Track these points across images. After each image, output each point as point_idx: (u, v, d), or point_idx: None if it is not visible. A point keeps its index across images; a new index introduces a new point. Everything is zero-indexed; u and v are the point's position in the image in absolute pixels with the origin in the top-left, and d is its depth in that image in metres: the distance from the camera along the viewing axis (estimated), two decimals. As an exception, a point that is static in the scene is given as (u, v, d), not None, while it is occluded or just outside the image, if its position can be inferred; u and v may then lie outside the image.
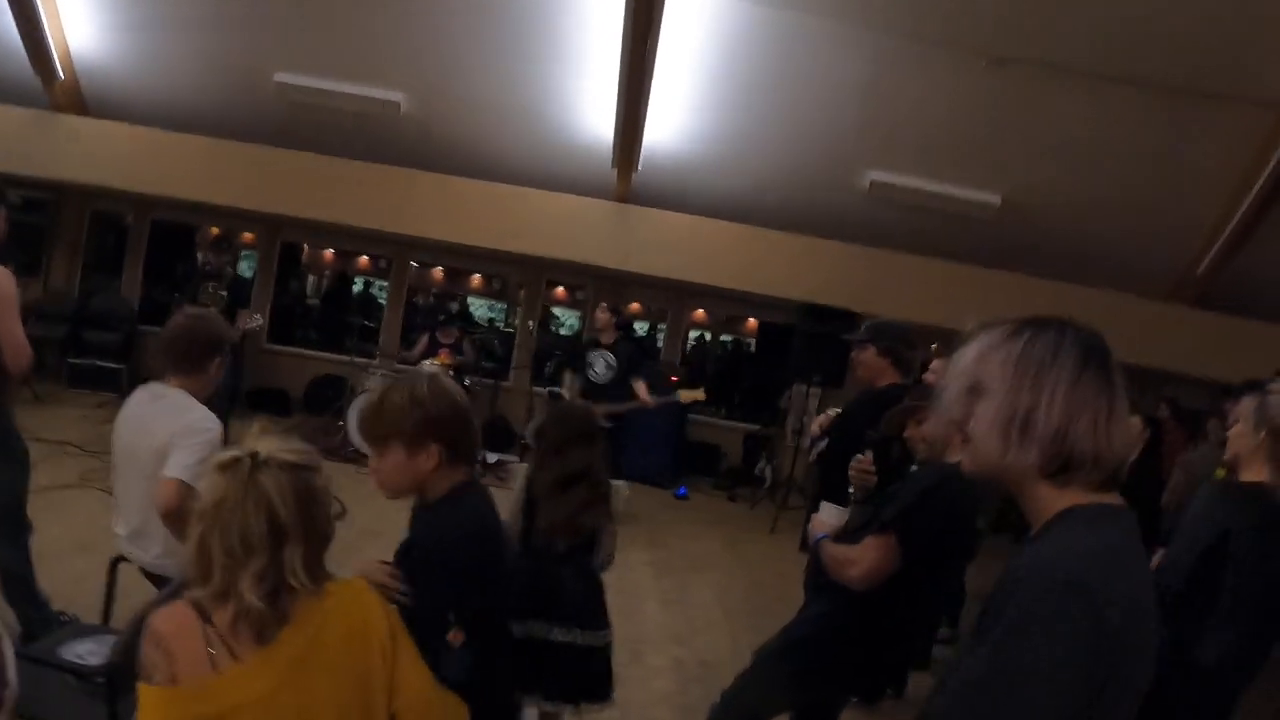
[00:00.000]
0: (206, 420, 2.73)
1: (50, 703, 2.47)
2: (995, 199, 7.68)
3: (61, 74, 7.89)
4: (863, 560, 2.53)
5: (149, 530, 2.77)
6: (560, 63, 7.21)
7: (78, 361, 8.42)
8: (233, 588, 1.49)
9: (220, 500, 1.50)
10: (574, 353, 7.20)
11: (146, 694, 1.52)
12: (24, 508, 3.68)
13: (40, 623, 3.64)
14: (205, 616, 1.52)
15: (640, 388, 6.84)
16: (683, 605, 5.51)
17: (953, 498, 2.48)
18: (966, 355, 1.33)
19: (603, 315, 6.91)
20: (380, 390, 1.96)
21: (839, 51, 6.77)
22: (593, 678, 3.05)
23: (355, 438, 7.49)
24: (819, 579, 2.82)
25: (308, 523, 1.55)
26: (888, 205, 7.86)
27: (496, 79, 7.39)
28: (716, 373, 10.49)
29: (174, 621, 1.53)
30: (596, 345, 6.93)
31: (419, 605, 1.89)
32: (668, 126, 7.50)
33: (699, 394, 6.92)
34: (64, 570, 4.29)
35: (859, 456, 2.97)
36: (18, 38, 7.52)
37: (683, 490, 8.33)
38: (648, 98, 7.04)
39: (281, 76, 7.71)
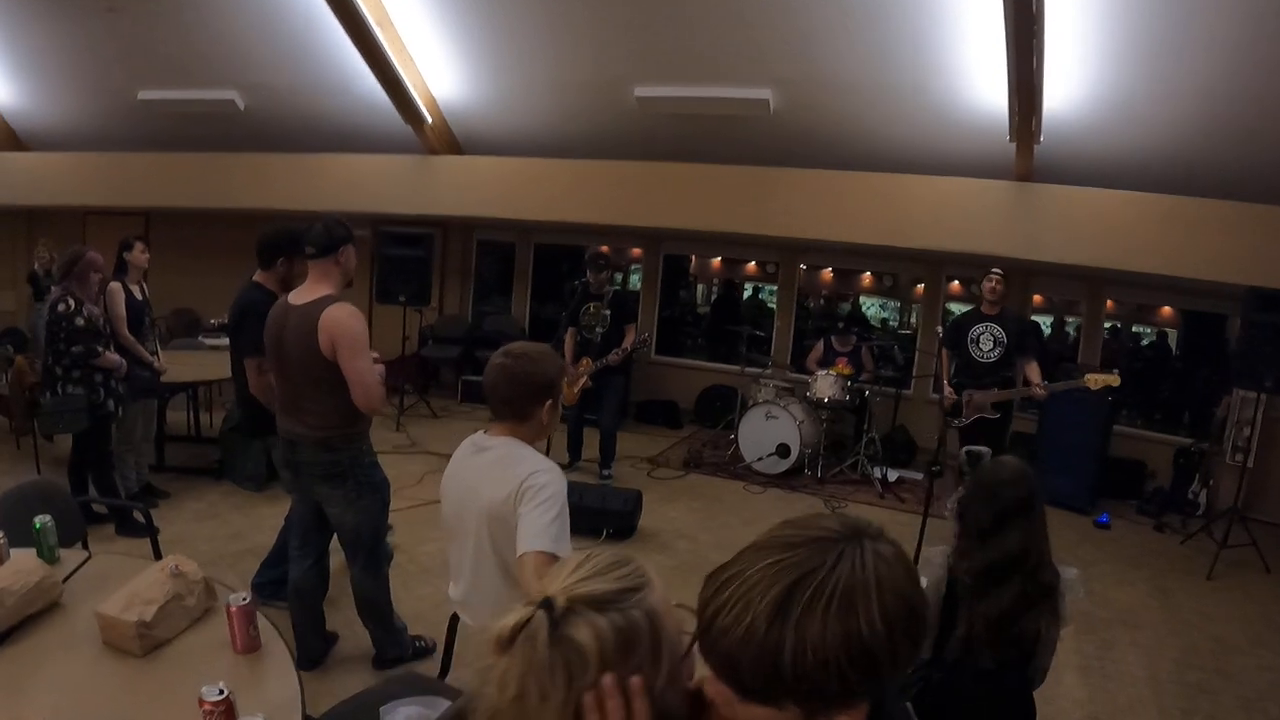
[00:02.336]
0: (543, 473, 2.26)
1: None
2: None
3: (429, 118, 8.26)
4: None
5: (479, 597, 2.48)
6: (935, 30, 6.24)
7: (471, 379, 9.21)
8: None
9: (519, 695, 0.94)
10: (955, 330, 6.14)
11: None
12: (384, 538, 3.74)
13: (393, 645, 3.80)
14: None
15: (1033, 370, 5.68)
16: (1104, 676, 4.46)
17: None
18: None
19: (995, 285, 5.86)
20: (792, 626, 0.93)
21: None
22: None
23: (747, 452, 7.34)
24: None
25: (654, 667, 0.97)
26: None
27: (866, 58, 6.61)
28: (1138, 372, 8.92)
29: None
30: (980, 317, 5.90)
31: None
32: (1067, 88, 6.28)
33: (1113, 378, 5.31)
34: (430, 591, 4.50)
35: None
36: (385, 96, 7.96)
37: (1104, 518, 6.97)
38: (1041, 57, 5.86)
39: (641, 90, 7.49)
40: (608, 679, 0.94)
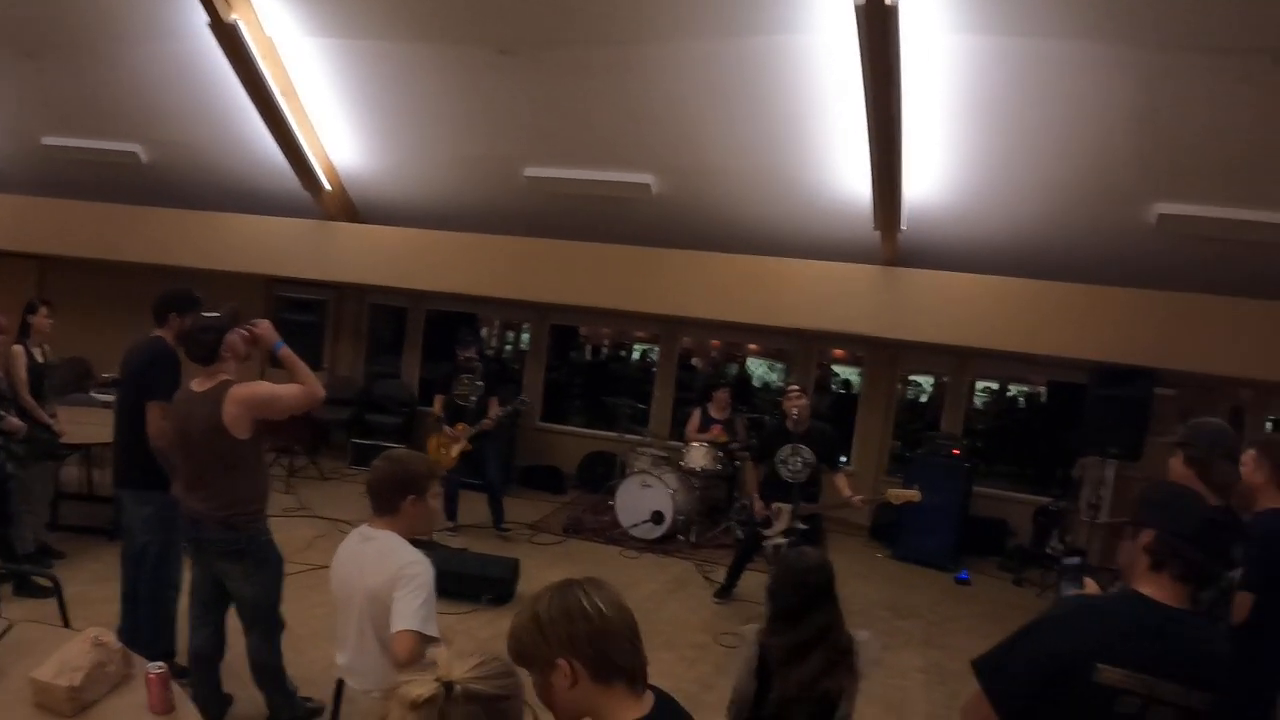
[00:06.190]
0: (415, 564, 2.76)
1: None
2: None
3: (328, 185, 8.64)
4: None
5: (362, 665, 2.90)
6: (806, 123, 6.86)
7: (361, 442, 9.43)
8: None
9: None
10: (764, 446, 6.30)
11: None
12: (278, 609, 4.01)
13: (285, 707, 4.08)
14: None
15: (842, 481, 6.11)
16: (952, 722, 4.87)
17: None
18: None
19: (800, 403, 5.99)
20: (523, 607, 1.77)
21: (1102, 75, 5.90)
22: None
23: (624, 518, 7.78)
24: None
25: None
26: (1178, 241, 6.82)
27: (742, 148, 7.21)
28: (1003, 432, 9.61)
29: None
30: (787, 436, 5.99)
31: None
32: (928, 180, 6.97)
33: (913, 495, 5.72)
34: (319, 654, 4.68)
35: None
36: (285, 160, 8.33)
37: (964, 574, 7.69)
38: (900, 152, 6.53)
39: (531, 170, 8.00)
40: None
